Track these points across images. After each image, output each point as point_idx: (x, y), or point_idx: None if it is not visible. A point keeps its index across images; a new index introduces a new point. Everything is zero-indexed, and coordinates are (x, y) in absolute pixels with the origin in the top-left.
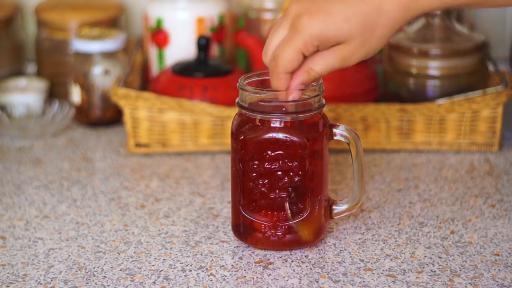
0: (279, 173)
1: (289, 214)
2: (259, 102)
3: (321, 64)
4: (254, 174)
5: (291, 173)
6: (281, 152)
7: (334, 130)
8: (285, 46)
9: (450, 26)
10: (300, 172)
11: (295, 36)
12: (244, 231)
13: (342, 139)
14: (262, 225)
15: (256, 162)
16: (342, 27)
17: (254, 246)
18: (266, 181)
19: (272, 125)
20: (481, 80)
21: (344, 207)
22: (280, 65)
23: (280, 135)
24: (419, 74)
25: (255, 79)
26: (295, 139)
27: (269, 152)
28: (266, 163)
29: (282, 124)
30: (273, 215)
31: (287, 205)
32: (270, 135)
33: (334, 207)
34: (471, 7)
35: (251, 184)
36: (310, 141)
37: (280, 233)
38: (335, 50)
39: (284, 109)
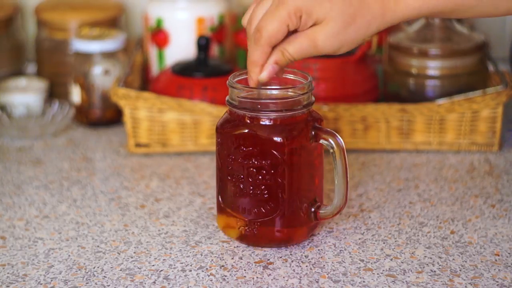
0: (254, 170)
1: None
2: (237, 98)
3: (295, 45)
4: (230, 168)
5: (263, 171)
6: (253, 148)
7: (318, 132)
8: (270, 17)
9: (450, 26)
10: (272, 171)
11: (280, 7)
12: (225, 225)
13: (324, 142)
14: (239, 220)
15: (232, 157)
16: (324, 4)
17: (241, 242)
18: (242, 176)
19: (250, 121)
20: (481, 80)
21: (327, 211)
22: (264, 36)
23: (255, 132)
24: (419, 74)
25: (245, 76)
26: (269, 137)
27: (243, 148)
28: (240, 159)
29: (263, 122)
30: (248, 211)
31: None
32: (245, 131)
33: (318, 210)
34: (446, 15)
35: (228, 178)
36: (289, 140)
37: (255, 231)
38: (309, 33)
39: (259, 106)
